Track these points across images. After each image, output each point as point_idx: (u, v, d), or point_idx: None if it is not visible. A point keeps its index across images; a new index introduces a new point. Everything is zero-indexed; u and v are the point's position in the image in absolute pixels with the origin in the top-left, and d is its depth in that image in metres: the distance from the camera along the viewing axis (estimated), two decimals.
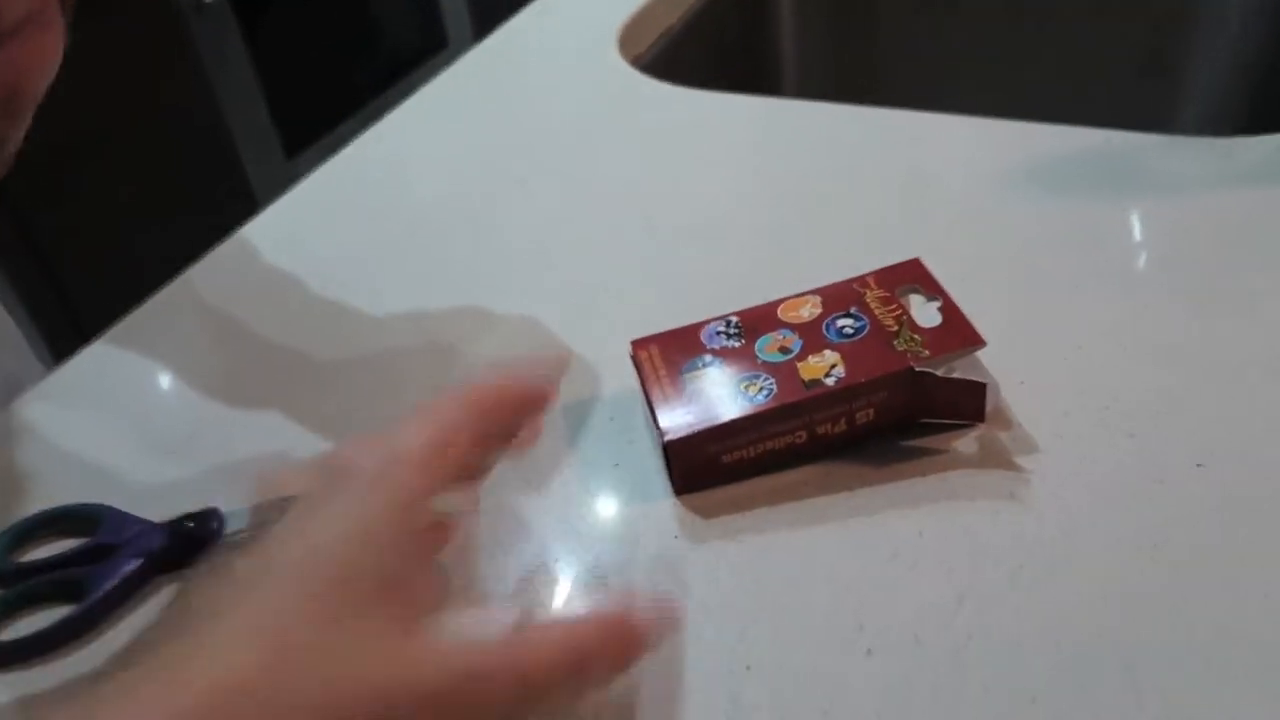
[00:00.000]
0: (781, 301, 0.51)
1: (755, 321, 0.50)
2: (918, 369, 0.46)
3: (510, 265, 0.65)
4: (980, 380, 0.47)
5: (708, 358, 0.48)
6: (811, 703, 0.39)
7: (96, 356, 0.62)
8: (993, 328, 0.53)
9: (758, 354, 0.48)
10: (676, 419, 0.45)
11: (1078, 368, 0.51)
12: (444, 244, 0.67)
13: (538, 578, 0.45)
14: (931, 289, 0.51)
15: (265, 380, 0.58)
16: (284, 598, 0.28)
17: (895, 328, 0.48)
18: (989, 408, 0.48)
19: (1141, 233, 0.60)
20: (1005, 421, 0.49)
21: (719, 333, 0.49)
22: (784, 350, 0.47)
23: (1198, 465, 0.45)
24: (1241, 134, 0.66)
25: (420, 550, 0.31)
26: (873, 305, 0.49)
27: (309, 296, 0.64)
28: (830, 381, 0.46)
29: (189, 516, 0.46)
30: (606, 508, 0.48)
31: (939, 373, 0.47)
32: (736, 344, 0.48)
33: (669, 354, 0.49)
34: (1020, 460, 0.47)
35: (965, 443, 0.48)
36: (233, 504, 0.48)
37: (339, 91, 2.12)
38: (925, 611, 0.41)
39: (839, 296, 0.50)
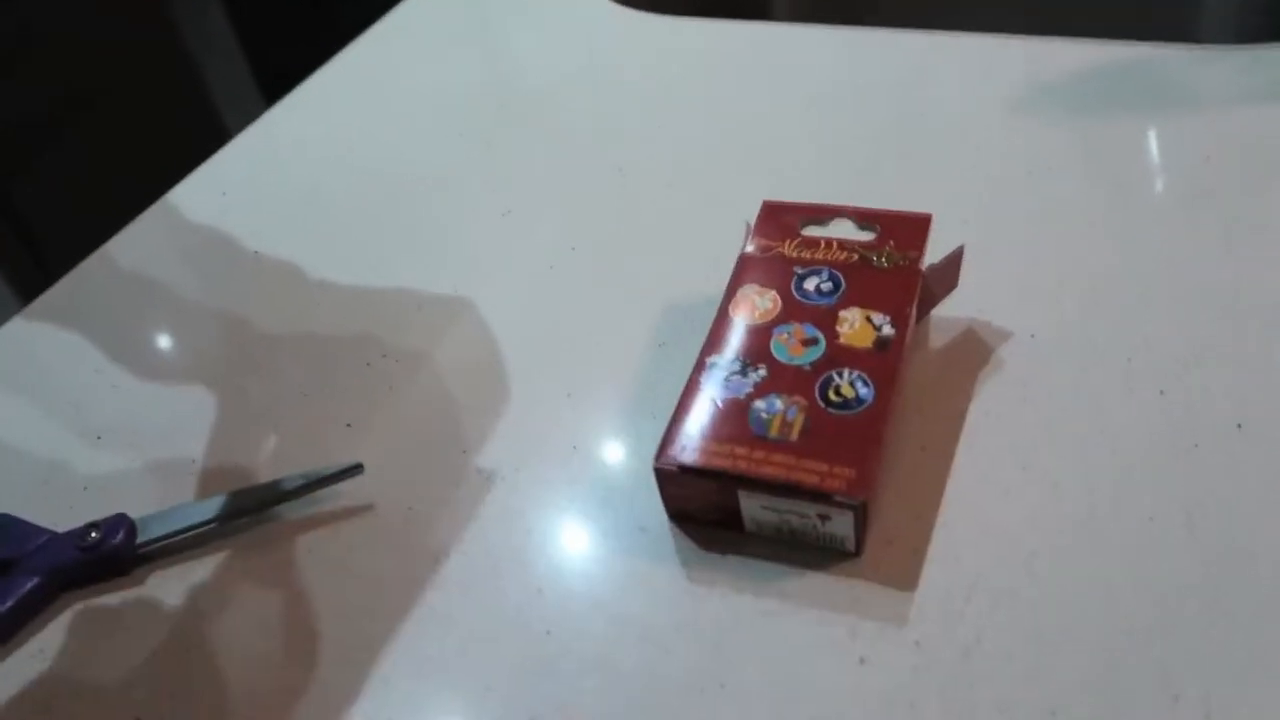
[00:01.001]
0: (723, 315, 0.43)
1: (743, 345, 0.41)
2: (927, 269, 0.43)
3: (471, 227, 0.58)
4: (958, 247, 0.44)
5: (762, 403, 0.39)
6: None
7: (12, 335, 0.57)
8: (999, 271, 0.47)
9: (799, 363, 0.40)
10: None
11: (1096, 315, 0.45)
12: (397, 203, 0.61)
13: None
14: (825, 214, 0.46)
15: (192, 360, 0.53)
16: None
17: (856, 256, 0.44)
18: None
19: (1162, 155, 0.54)
20: (1014, 381, 0.43)
21: (735, 374, 0.40)
22: (807, 342, 0.41)
23: (1238, 426, 0.39)
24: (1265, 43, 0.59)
25: None
26: (813, 256, 0.44)
27: (242, 266, 0.58)
28: (887, 330, 0.40)
29: (95, 525, 0.41)
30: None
31: (935, 263, 0.44)
32: (764, 372, 0.40)
33: (728, 435, 0.38)
34: (1033, 427, 0.41)
35: (970, 408, 0.42)
36: (147, 507, 0.43)
37: (318, 33, 2.02)
38: (925, 609, 0.36)
39: (765, 270, 0.44)
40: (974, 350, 0.44)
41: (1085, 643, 0.34)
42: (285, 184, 0.64)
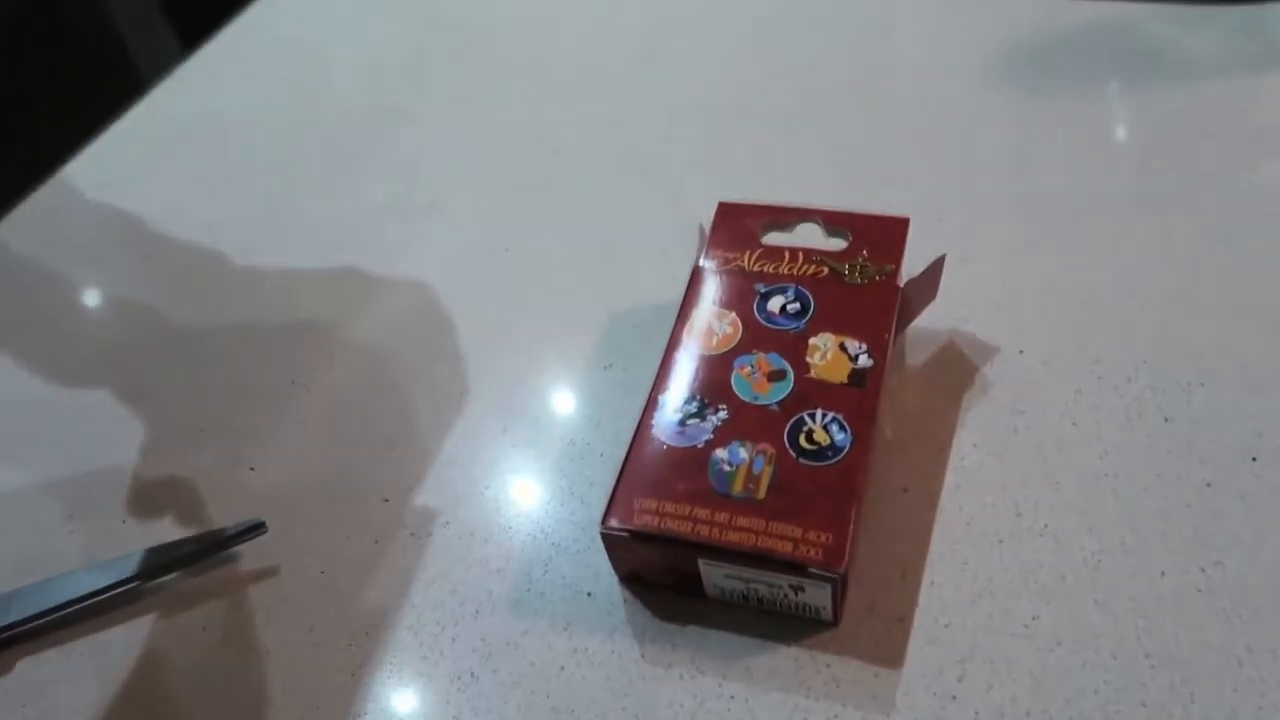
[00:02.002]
0: (676, 342, 0.37)
1: (700, 380, 0.36)
2: (905, 284, 0.38)
3: (390, 224, 0.52)
4: (938, 258, 0.39)
5: (724, 453, 0.33)
6: None
7: None
8: (980, 274, 0.43)
9: (765, 403, 0.35)
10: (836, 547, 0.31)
11: (1089, 326, 0.40)
12: (302, 195, 0.54)
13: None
14: (789, 217, 0.41)
15: (70, 390, 0.46)
16: None
17: (826, 269, 0.38)
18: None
19: (1157, 131, 0.49)
20: (1003, 407, 0.38)
21: (692, 417, 0.34)
22: (773, 376, 0.35)
23: (1252, 459, 0.35)
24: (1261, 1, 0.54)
25: None
26: (777, 270, 0.39)
27: (130, 274, 0.51)
28: (864, 361, 0.35)
29: None
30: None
31: (914, 277, 0.38)
32: (725, 413, 0.35)
33: (685, 493, 0.33)
34: (1026, 463, 0.36)
35: (956, 440, 0.37)
36: (14, 579, 0.37)
37: None
38: (914, 690, 0.31)
39: (723, 287, 0.39)
40: (957, 369, 0.40)
41: None
42: (175, 171, 0.57)
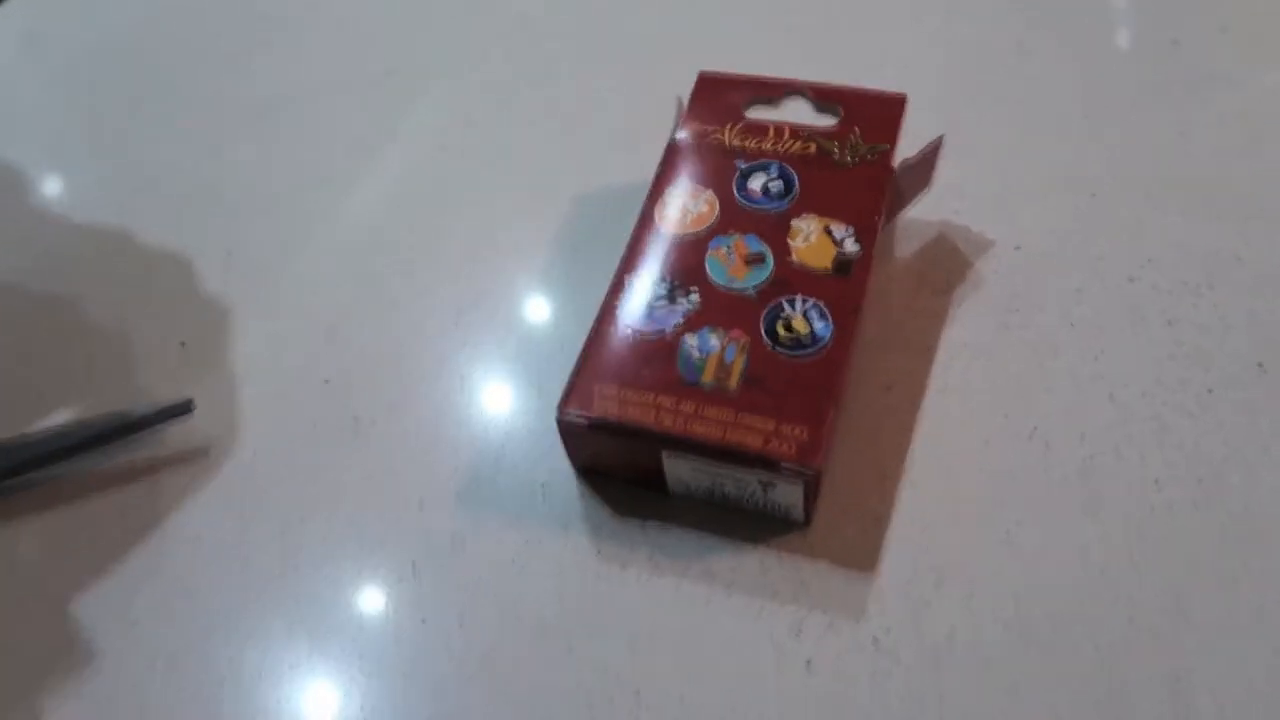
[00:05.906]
0: (646, 221, 0.34)
1: (672, 262, 0.33)
2: (899, 167, 0.35)
3: (342, 94, 0.48)
4: (935, 139, 0.35)
5: (694, 340, 0.31)
6: None
7: None
8: (978, 164, 0.40)
9: (741, 288, 0.32)
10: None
11: (1092, 222, 0.38)
12: (244, 59, 0.50)
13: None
14: (776, 90, 0.37)
15: None
16: None
17: (814, 147, 0.35)
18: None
19: (1173, 22, 0.46)
20: (995, 305, 0.35)
21: (660, 300, 0.32)
22: (751, 260, 0.32)
23: (1258, 365, 0.33)
24: None
25: None
26: (759, 146, 0.35)
27: (57, 138, 0.47)
28: (850, 246, 0.32)
29: None
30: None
31: (907, 159, 0.35)
32: (696, 298, 0.31)
33: (651, 381, 0.30)
34: (1017, 363, 0.34)
35: (943, 337, 0.35)
36: None
37: None
38: (887, 597, 0.29)
39: (700, 163, 0.35)
40: (948, 264, 0.37)
41: (1079, 639, 0.28)
42: (103, 32, 0.52)
